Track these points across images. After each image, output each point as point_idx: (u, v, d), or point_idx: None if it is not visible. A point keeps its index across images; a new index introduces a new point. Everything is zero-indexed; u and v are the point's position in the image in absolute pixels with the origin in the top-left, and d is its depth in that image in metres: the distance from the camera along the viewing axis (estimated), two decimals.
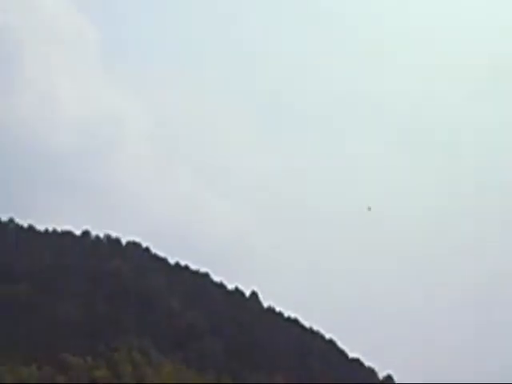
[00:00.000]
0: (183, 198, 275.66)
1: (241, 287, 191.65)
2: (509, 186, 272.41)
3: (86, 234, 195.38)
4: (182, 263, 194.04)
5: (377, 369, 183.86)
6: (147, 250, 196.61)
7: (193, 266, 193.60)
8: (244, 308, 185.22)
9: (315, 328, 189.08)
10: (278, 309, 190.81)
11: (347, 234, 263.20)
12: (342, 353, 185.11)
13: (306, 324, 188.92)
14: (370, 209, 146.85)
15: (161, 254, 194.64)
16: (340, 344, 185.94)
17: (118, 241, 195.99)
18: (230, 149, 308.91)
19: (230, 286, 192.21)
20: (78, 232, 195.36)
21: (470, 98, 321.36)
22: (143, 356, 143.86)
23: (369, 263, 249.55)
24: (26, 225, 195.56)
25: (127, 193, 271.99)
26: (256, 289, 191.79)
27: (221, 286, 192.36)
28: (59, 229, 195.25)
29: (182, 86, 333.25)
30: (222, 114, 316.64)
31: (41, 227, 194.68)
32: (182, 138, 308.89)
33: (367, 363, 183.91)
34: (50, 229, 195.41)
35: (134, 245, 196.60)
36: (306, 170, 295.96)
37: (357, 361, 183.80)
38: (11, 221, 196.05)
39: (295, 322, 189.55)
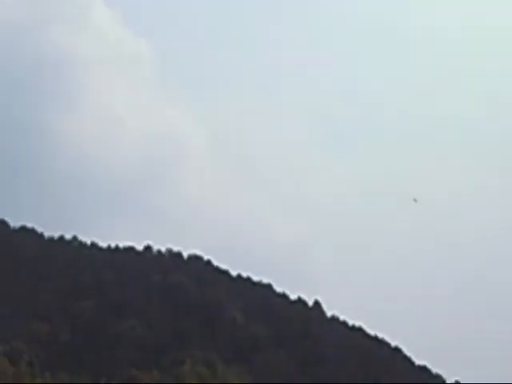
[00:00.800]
0: (243, 211, 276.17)
1: (303, 297, 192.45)
2: None
3: (148, 248, 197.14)
4: (244, 275, 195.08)
5: (445, 375, 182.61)
6: (209, 262, 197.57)
7: (255, 278, 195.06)
8: (307, 318, 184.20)
9: (380, 336, 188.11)
10: (341, 317, 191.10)
11: (409, 239, 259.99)
12: (409, 360, 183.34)
13: (371, 332, 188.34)
14: (416, 200, 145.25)
15: (222, 266, 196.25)
16: (406, 351, 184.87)
17: (179, 254, 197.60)
18: (293, 162, 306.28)
19: (293, 296, 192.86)
20: (140, 247, 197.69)
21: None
22: (209, 368, 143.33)
23: (431, 268, 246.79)
24: (89, 242, 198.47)
25: (188, 207, 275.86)
26: (319, 298, 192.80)
27: (283, 296, 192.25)
28: (121, 245, 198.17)
29: (241, 99, 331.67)
30: (282, 127, 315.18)
31: (103, 244, 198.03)
32: (242, 150, 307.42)
33: (435, 370, 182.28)
34: (113, 245, 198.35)
35: (195, 258, 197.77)
36: (362, 179, 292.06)
37: (424, 368, 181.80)
38: (75, 238, 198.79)
39: (360, 330, 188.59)
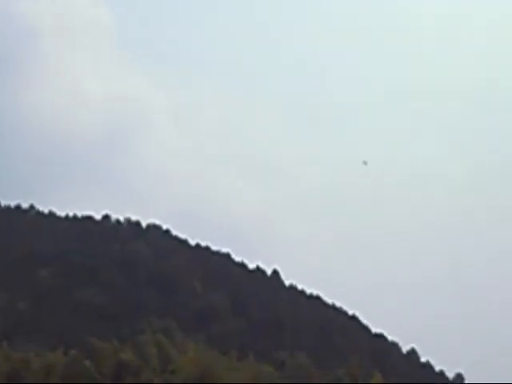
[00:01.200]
0: (204, 182, 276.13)
1: (262, 266, 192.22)
2: None
3: (106, 218, 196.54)
4: (203, 244, 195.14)
5: (401, 343, 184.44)
6: (167, 231, 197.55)
7: (214, 247, 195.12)
8: (266, 287, 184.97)
9: (338, 304, 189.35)
10: (300, 286, 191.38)
11: (366, 212, 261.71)
12: (366, 328, 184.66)
13: (329, 301, 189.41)
14: (365, 163, 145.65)
15: (181, 235, 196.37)
16: (363, 319, 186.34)
17: (138, 224, 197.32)
18: (253, 137, 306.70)
19: (252, 266, 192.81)
20: (98, 216, 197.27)
21: None
22: (167, 337, 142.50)
23: (391, 239, 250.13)
24: (46, 211, 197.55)
25: (148, 177, 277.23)
26: (278, 267, 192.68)
27: (242, 265, 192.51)
28: (80, 214, 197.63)
29: (203, 76, 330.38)
30: (244, 107, 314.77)
31: (62, 213, 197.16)
32: (203, 124, 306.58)
33: (391, 337, 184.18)
34: (71, 214, 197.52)
35: (154, 227, 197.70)
36: (322, 158, 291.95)
37: (381, 336, 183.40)
38: (32, 207, 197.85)
39: (317, 299, 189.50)
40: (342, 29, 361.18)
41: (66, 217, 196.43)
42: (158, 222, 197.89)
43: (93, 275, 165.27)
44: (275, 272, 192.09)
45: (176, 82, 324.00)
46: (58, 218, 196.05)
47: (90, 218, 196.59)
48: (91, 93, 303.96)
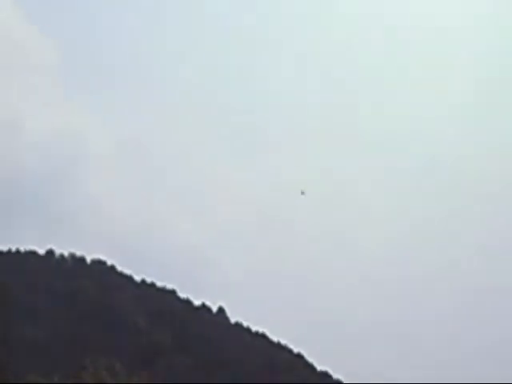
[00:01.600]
0: (145, 215, 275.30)
1: (208, 303, 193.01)
2: None
3: (50, 253, 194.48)
4: (148, 280, 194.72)
5: (344, 381, 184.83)
6: (113, 267, 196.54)
7: (159, 283, 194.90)
8: (211, 324, 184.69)
9: (283, 342, 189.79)
10: (245, 324, 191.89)
11: (312, 241, 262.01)
12: (311, 366, 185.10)
13: (274, 338, 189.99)
14: (303, 193, 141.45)
15: (126, 271, 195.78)
16: (308, 357, 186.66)
17: (82, 259, 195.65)
18: (192, 165, 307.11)
19: (197, 302, 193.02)
20: (42, 251, 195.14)
21: None
22: (110, 375, 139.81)
23: (338, 270, 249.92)
24: None
25: (90, 211, 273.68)
26: (223, 304, 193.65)
27: (187, 302, 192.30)
28: (23, 248, 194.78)
29: (144, 106, 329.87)
30: (186, 134, 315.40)
31: (4, 247, 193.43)
32: (144, 155, 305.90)
33: (335, 375, 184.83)
34: (14, 249, 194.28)
35: (99, 263, 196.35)
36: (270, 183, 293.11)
37: (325, 374, 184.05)
38: None
39: (263, 336, 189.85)
40: None
41: (9, 251, 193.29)
42: (102, 257, 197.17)
43: (36, 312, 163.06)
44: (221, 309, 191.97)
45: (121, 113, 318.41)
46: (1, 252, 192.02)
47: (33, 253, 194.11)
48: (32, 126, 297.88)
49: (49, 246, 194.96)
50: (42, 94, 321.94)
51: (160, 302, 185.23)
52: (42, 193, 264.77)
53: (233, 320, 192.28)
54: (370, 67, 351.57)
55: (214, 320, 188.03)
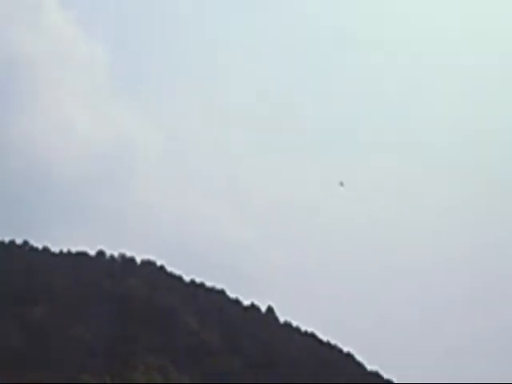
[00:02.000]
0: (198, 216, 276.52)
1: (257, 303, 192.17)
2: None
3: (100, 254, 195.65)
4: (198, 280, 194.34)
5: (395, 380, 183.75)
6: (162, 268, 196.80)
7: (208, 283, 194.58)
8: (261, 324, 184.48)
9: (333, 341, 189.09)
10: (294, 323, 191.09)
11: (361, 241, 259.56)
12: (361, 365, 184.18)
13: (324, 338, 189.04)
14: (342, 184, 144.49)
15: (176, 271, 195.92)
16: (358, 357, 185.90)
17: (132, 260, 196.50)
18: (241, 166, 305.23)
19: (246, 302, 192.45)
20: (92, 252, 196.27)
21: None
22: (161, 374, 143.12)
23: (388, 274, 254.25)
24: (40, 246, 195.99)
25: (141, 213, 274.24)
26: (272, 304, 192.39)
27: (236, 302, 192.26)
28: (74, 250, 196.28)
29: (192, 106, 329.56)
30: (231, 134, 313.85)
31: (55, 249, 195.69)
32: (193, 156, 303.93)
33: (386, 375, 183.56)
34: (65, 250, 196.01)
35: (148, 263, 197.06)
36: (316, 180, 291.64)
37: (376, 373, 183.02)
38: (26, 243, 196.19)
39: (312, 336, 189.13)
40: None
41: (60, 253, 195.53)
42: (152, 257, 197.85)
43: (86, 313, 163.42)
44: (270, 308, 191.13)
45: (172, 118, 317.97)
46: (52, 254, 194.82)
47: (84, 254, 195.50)
48: (81, 128, 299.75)
49: (99, 247, 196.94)
50: (90, 97, 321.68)
51: (209, 303, 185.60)
52: (94, 195, 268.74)
53: (282, 319, 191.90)
54: None
55: (264, 320, 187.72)
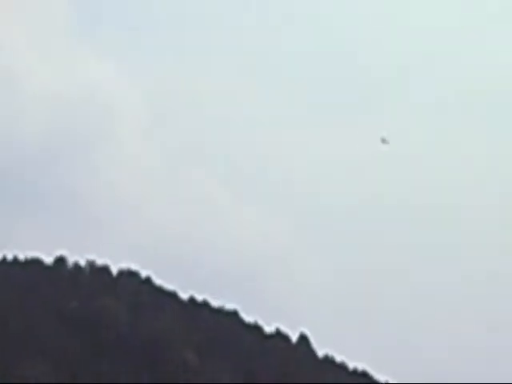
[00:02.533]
0: (192, 208, 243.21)
1: (284, 329, 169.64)
2: None
3: (60, 261, 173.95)
4: (199, 298, 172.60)
5: None
6: (148, 280, 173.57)
7: (214, 302, 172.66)
8: (290, 358, 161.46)
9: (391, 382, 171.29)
10: (338, 358, 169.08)
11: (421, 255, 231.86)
12: None
13: (379, 377, 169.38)
14: (384, 141, 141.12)
15: (167, 286, 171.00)
16: None
17: (105, 269, 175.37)
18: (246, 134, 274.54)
19: (269, 329, 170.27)
20: (48, 259, 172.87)
21: None
22: None
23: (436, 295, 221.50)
24: None
25: (117, 203, 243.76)
26: (306, 331, 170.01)
27: (255, 327, 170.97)
28: (23, 256, 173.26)
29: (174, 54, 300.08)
30: (223, 89, 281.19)
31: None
32: (190, 122, 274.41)
33: None
34: (10, 257, 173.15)
35: (129, 275, 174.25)
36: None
37: None
38: None
39: (364, 375, 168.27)
40: None
41: (3, 260, 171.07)
42: (134, 266, 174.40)
43: (42, 343, 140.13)
44: (303, 337, 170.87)
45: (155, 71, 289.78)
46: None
47: (37, 262, 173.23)
48: (36, 85, 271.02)
49: (58, 252, 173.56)
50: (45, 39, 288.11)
51: (216, 329, 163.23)
52: (51, 175, 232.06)
53: (320, 353, 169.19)
54: None
55: (294, 353, 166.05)
